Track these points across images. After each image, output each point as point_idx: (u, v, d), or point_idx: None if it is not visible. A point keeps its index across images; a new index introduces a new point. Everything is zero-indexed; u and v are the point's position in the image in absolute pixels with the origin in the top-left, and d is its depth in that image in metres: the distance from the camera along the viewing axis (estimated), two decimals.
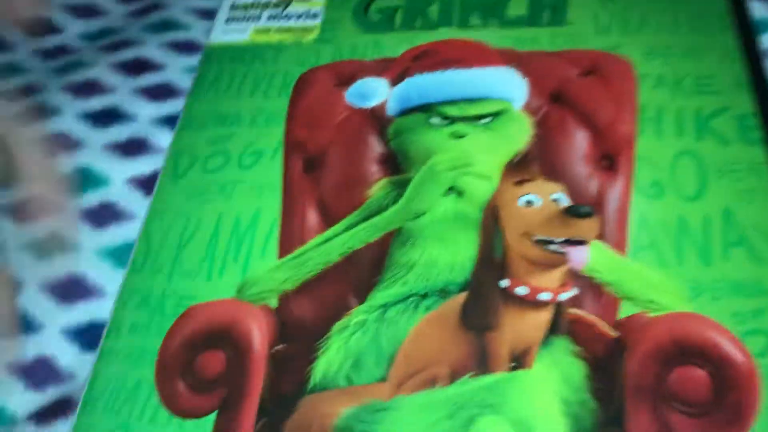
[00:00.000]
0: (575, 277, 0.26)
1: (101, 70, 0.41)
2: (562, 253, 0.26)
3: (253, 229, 0.29)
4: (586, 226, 0.26)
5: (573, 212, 0.26)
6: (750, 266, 0.25)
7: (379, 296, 0.27)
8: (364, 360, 0.25)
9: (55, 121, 0.38)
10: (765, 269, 0.25)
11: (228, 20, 0.36)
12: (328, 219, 0.29)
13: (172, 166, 0.31)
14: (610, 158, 0.29)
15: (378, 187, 0.29)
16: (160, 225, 0.30)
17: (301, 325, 0.27)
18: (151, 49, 0.41)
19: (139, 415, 0.25)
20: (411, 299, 0.26)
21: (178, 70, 0.40)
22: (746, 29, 0.31)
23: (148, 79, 0.40)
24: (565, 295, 0.26)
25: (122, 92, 0.39)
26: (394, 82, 0.32)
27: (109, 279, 0.32)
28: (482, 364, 0.25)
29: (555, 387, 0.24)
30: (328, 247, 0.28)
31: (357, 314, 0.26)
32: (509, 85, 0.31)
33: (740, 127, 0.28)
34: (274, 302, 0.27)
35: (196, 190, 0.30)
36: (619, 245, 0.27)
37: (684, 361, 0.24)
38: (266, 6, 0.36)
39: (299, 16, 0.36)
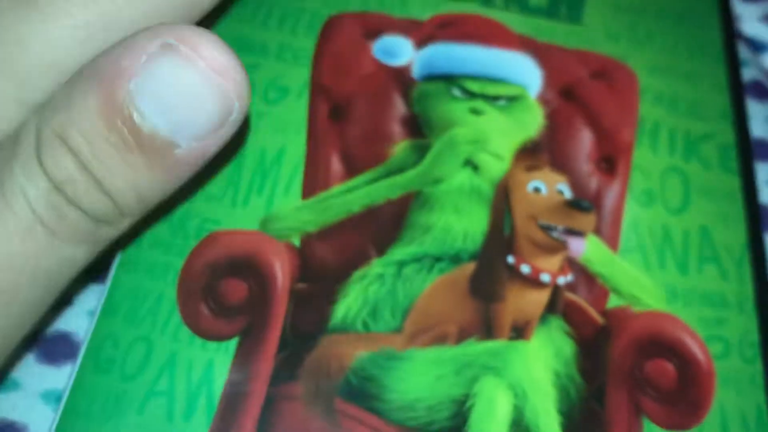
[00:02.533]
0: (572, 264, 0.29)
1: None
2: (563, 241, 0.29)
3: (278, 166, 0.30)
4: (585, 220, 0.29)
5: (575, 204, 0.30)
6: (718, 281, 0.29)
7: (397, 252, 0.29)
8: (381, 310, 0.28)
9: None
10: (729, 285, 0.29)
11: None
12: (351, 169, 0.30)
13: None
14: (610, 161, 0.32)
15: (400, 148, 0.31)
16: None
17: (322, 268, 0.28)
18: None
19: (161, 329, 0.26)
20: (426, 260, 0.29)
21: None
22: (735, 64, 0.35)
23: None
24: (562, 279, 0.29)
25: None
26: (419, 45, 0.34)
27: None
28: (486, 329, 0.27)
29: (548, 360, 0.27)
30: (351, 197, 0.30)
31: (376, 266, 0.28)
32: (527, 73, 0.34)
33: (721, 156, 0.32)
34: (296, 241, 0.29)
35: None
36: (612, 243, 0.30)
37: (658, 354, 0.27)
38: None
39: None
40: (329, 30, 0.34)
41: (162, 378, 0.25)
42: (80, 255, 0.22)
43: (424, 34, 0.34)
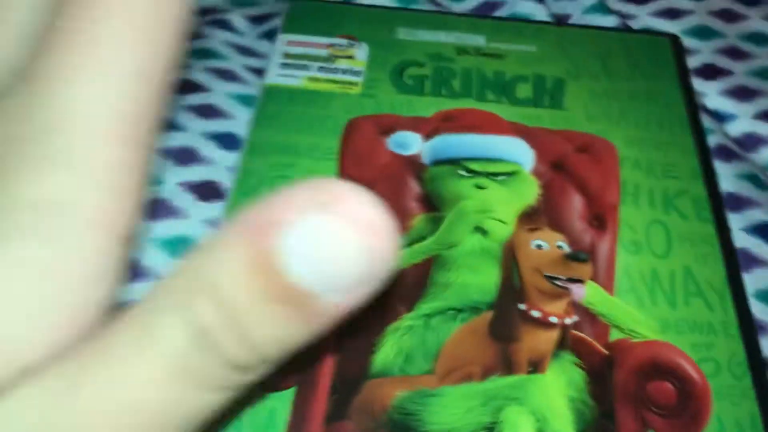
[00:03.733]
0: (576, 307, 0.34)
1: None
2: (566, 288, 0.34)
3: None
4: (583, 269, 0.34)
5: (573, 257, 0.34)
6: (704, 312, 0.34)
7: (424, 307, 0.33)
8: (414, 356, 0.32)
9: None
10: (713, 315, 0.34)
11: (282, 65, 0.42)
12: None
13: (241, 184, 0.37)
14: (600, 219, 0.37)
15: (418, 220, 0.36)
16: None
17: (360, 324, 0.33)
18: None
19: None
20: (449, 312, 0.33)
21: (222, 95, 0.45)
22: (700, 132, 0.41)
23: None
24: (569, 320, 0.33)
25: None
26: (427, 137, 0.39)
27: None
28: (507, 367, 0.32)
29: (563, 388, 0.31)
30: None
31: (406, 320, 0.33)
32: (520, 152, 0.39)
33: (695, 207, 0.37)
34: None
35: None
36: (608, 286, 0.35)
37: (658, 376, 0.32)
38: (315, 59, 0.43)
39: (344, 72, 0.42)
40: (350, 131, 0.40)
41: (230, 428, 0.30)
42: (215, 401, 0.21)
43: (430, 127, 0.40)
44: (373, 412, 0.30)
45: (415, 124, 0.40)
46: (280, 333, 0.19)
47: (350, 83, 0.42)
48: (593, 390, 0.31)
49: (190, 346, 0.18)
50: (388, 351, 0.32)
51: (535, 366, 0.32)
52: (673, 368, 0.32)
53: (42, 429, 0.18)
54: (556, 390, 0.31)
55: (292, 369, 0.31)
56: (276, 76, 0.42)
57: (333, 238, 0.18)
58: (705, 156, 0.40)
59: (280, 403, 0.30)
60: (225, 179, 0.41)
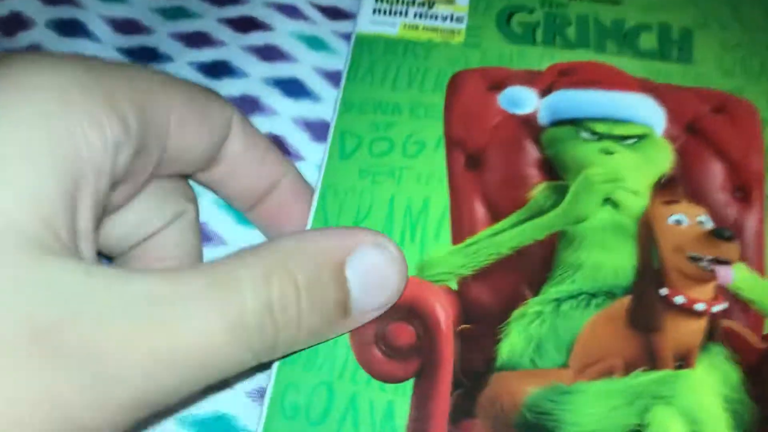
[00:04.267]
0: (724, 292, 0.30)
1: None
2: (711, 270, 0.30)
3: (425, 214, 0.31)
4: (729, 248, 0.30)
5: (718, 234, 0.30)
6: None
7: (552, 291, 0.30)
8: (545, 346, 0.28)
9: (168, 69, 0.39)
10: None
11: (375, 11, 0.38)
12: (495, 214, 0.32)
13: (338, 146, 0.33)
14: (744, 190, 0.33)
15: (539, 190, 0.32)
16: (334, 200, 0.32)
17: (481, 309, 0.29)
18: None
19: (339, 374, 0.27)
20: (582, 296, 0.29)
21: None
22: None
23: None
24: (717, 307, 0.29)
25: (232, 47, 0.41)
26: (542, 93, 0.35)
27: None
28: (651, 360, 0.28)
29: (716, 386, 0.28)
30: (498, 240, 0.31)
31: (533, 305, 0.29)
32: (650, 112, 0.35)
33: None
34: (453, 284, 0.30)
35: (367, 170, 0.32)
36: (759, 268, 0.30)
37: None
38: (412, 3, 0.38)
39: (444, 18, 0.38)
40: (455, 86, 0.35)
41: (346, 421, 0.26)
42: (248, 363, 0.24)
43: (545, 82, 0.35)
44: (503, 409, 0.27)
45: (529, 78, 0.36)
46: (319, 325, 0.25)
47: (452, 31, 0.37)
48: (752, 389, 0.28)
49: (255, 311, 0.23)
50: (515, 340, 0.28)
51: (683, 360, 0.28)
52: None
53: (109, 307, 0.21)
54: (709, 388, 0.27)
55: (407, 354, 0.28)
56: (368, 24, 0.38)
57: (382, 268, 0.26)
58: None
59: (399, 397, 0.27)
60: (290, 133, 0.38)
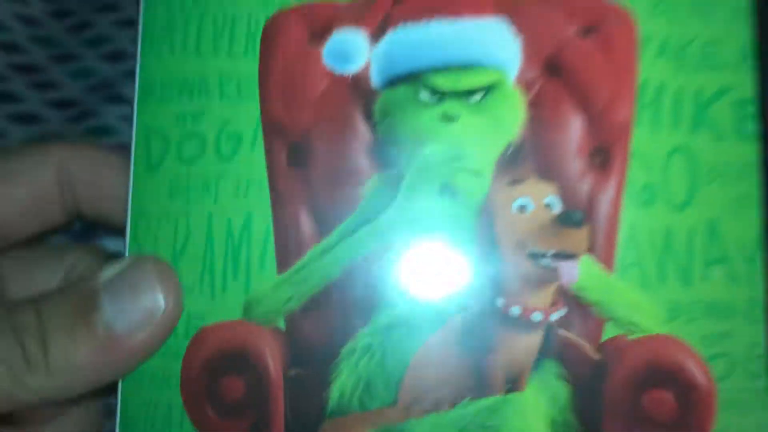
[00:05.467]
0: (564, 295, 0.28)
1: None
2: (554, 269, 0.28)
3: (248, 237, 0.29)
4: (577, 238, 0.28)
5: (566, 220, 0.28)
6: (725, 287, 0.27)
7: (383, 317, 0.28)
8: (374, 384, 0.28)
9: None
10: (739, 290, 0.27)
11: None
12: (323, 224, 0.29)
13: (144, 152, 0.29)
14: (603, 152, 0.28)
15: (370, 186, 0.29)
16: (147, 231, 0.29)
17: (311, 348, 0.29)
18: None
19: None
20: (414, 319, 0.28)
21: None
22: None
23: None
24: (555, 315, 0.28)
25: None
26: (374, 35, 0.29)
27: None
28: (480, 387, 0.28)
29: (543, 408, 0.28)
30: (327, 260, 0.29)
31: (362, 337, 0.28)
32: (504, 47, 0.29)
33: (737, 116, 0.28)
34: (281, 323, 0.29)
35: (177, 186, 0.29)
36: (607, 259, 0.28)
37: (656, 384, 0.27)
38: None
39: None
40: (270, 38, 0.29)
41: None
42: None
43: (378, 17, 0.29)
44: None
45: (358, 13, 0.29)
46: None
47: None
48: (580, 406, 0.28)
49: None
50: (344, 381, 0.28)
51: (513, 382, 0.28)
52: (675, 372, 0.27)
53: None
54: (536, 411, 0.28)
55: (239, 409, 0.28)
56: None
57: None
58: (765, 23, 0.28)
59: None
60: None
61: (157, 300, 0.27)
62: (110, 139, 0.43)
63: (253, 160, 0.29)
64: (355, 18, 0.29)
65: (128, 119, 0.41)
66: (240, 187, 0.29)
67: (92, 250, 0.36)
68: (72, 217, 0.34)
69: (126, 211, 0.29)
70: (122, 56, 0.45)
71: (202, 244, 0.29)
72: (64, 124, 0.44)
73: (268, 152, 0.29)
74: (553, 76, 0.29)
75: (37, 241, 0.35)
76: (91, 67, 0.45)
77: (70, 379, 0.26)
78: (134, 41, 0.43)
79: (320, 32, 0.29)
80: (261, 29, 0.29)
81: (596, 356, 0.28)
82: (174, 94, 0.29)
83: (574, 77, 0.29)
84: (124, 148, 0.35)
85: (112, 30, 0.45)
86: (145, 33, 0.30)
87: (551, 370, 0.28)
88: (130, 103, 0.42)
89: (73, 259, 0.34)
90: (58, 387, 0.26)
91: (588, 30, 0.29)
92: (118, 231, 0.36)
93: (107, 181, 0.33)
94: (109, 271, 0.27)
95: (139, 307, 0.27)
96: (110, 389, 0.29)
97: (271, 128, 0.29)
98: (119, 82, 0.44)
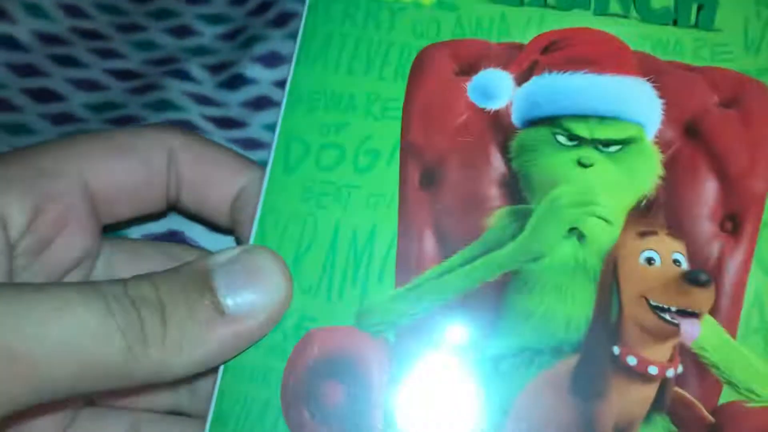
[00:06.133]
0: (683, 353, 0.27)
1: None
2: (676, 325, 0.27)
3: (371, 248, 0.29)
4: (702, 296, 0.27)
5: (692, 279, 0.27)
6: None
7: (493, 345, 0.28)
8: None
9: None
10: None
11: None
12: (445, 246, 0.29)
13: (283, 153, 0.30)
14: (735, 219, 0.29)
15: (497, 217, 0.29)
16: (274, 229, 0.29)
17: (414, 368, 0.28)
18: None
19: None
20: (526, 353, 0.28)
21: None
22: None
23: None
24: (671, 372, 0.27)
25: None
26: (520, 78, 0.30)
27: None
28: None
29: None
30: (444, 282, 0.29)
31: (469, 362, 0.28)
32: (645, 105, 0.30)
33: None
34: (391, 336, 0.28)
35: (311, 190, 0.30)
36: (731, 323, 0.28)
37: None
38: None
39: None
40: (419, 68, 0.31)
41: None
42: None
43: (524, 63, 0.30)
44: None
45: (507, 57, 0.31)
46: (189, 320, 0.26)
47: None
48: None
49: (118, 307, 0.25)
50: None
51: None
52: None
53: None
54: None
55: (336, 417, 0.28)
56: None
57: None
58: None
59: None
60: None
61: (273, 286, 0.27)
62: (174, 114, 0.43)
63: (387, 177, 0.30)
64: (504, 58, 0.30)
65: (192, 96, 0.44)
66: (371, 199, 0.30)
67: (186, 247, 0.36)
68: (171, 205, 0.34)
69: (257, 206, 0.30)
70: (187, 32, 0.45)
71: (325, 249, 0.29)
72: (126, 94, 0.44)
73: (403, 171, 0.30)
74: (691, 139, 0.29)
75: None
76: (152, 39, 0.46)
77: (182, 357, 0.26)
78: (199, 18, 0.46)
79: (468, 67, 0.31)
80: (412, 58, 0.31)
81: (711, 419, 0.27)
82: (321, 105, 0.31)
83: (713, 143, 0.29)
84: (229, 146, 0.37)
85: (177, 4, 0.46)
86: (302, 45, 0.31)
87: (664, 426, 0.27)
88: (194, 80, 0.45)
89: (177, 251, 0.34)
90: (170, 365, 0.26)
91: (730, 102, 0.30)
92: (211, 226, 0.37)
93: (212, 177, 0.33)
94: (222, 256, 0.28)
95: (255, 291, 0.27)
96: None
97: (409, 149, 0.30)
98: (184, 58, 0.45)
